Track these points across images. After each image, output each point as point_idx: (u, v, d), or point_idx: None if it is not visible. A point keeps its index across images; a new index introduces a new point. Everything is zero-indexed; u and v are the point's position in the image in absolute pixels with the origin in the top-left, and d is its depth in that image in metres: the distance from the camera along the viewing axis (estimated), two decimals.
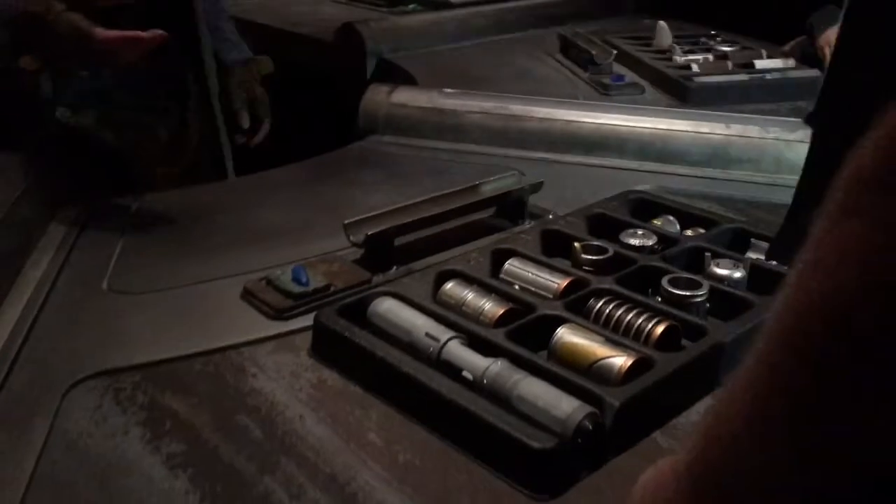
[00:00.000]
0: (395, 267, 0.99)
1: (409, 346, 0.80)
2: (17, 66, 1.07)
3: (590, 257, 0.94)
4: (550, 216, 1.11)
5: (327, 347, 0.84)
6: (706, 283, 0.87)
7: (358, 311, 0.86)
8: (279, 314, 0.91)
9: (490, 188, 1.09)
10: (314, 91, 2.42)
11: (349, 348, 0.81)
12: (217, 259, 1.04)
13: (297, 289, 0.93)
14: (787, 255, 0.42)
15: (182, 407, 0.78)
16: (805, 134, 1.28)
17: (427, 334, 0.80)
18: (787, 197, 1.22)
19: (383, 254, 1.00)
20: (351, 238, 0.98)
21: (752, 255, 0.98)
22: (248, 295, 0.94)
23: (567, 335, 0.79)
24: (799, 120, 1.35)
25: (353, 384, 0.80)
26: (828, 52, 2.15)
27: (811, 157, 0.49)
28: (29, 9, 1.02)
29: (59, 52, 1.06)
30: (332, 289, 0.94)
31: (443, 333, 0.79)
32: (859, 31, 0.46)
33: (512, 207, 1.11)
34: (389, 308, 0.84)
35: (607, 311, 0.83)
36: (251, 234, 1.11)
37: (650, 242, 0.98)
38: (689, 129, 1.31)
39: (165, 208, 1.23)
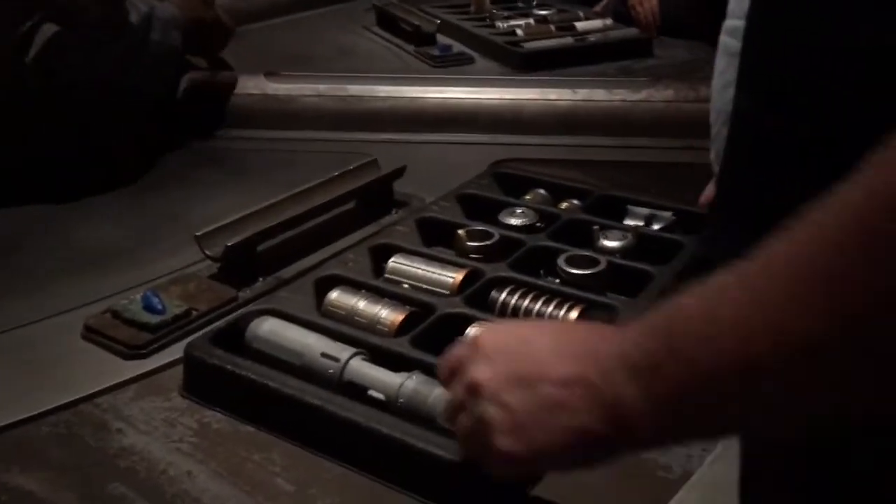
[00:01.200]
0: (261, 278, 0.88)
1: (304, 370, 0.70)
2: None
3: (475, 244, 0.88)
4: (418, 203, 1.03)
5: (205, 384, 0.72)
6: (603, 259, 0.83)
7: (234, 336, 0.74)
8: (135, 352, 0.77)
9: (351, 179, 1.00)
10: None
11: (234, 382, 0.70)
12: (44, 292, 0.88)
13: (152, 319, 0.79)
14: (728, 246, 0.39)
15: (37, 484, 0.64)
16: (649, 94, 1.28)
17: (323, 354, 0.70)
18: (641, 157, 1.23)
19: (245, 265, 0.88)
20: (207, 252, 0.86)
21: (630, 221, 0.96)
22: (91, 333, 0.80)
23: None
24: (643, 79, 1.35)
25: (244, 424, 0.69)
26: (639, 9, 2.21)
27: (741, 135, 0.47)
28: (195, 15, 1.27)
29: (217, 47, 1.36)
30: (194, 313, 0.81)
31: (342, 351, 0.70)
32: None
33: (376, 197, 1.02)
34: (272, 329, 0.74)
35: (512, 302, 0.78)
36: (81, 258, 0.95)
37: (531, 221, 0.93)
38: (537, 97, 1.28)
39: None
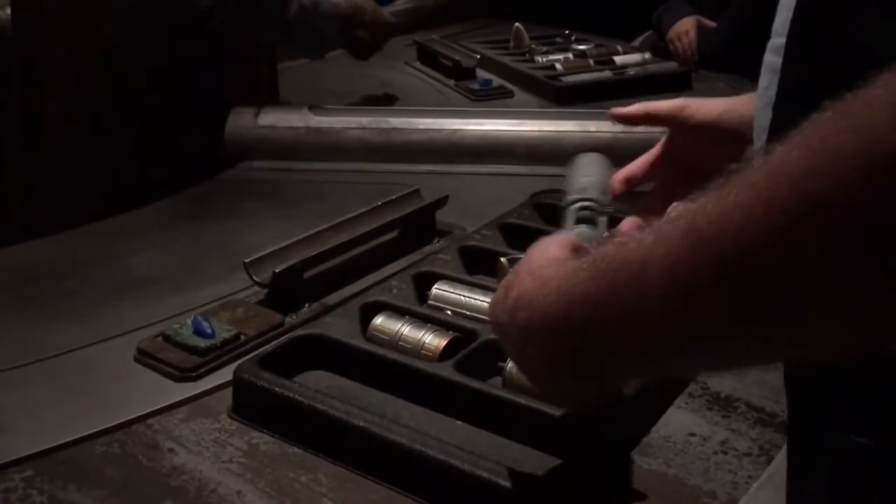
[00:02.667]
0: (307, 304, 0.90)
1: None
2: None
3: None
4: (460, 232, 1.05)
5: (253, 406, 0.74)
6: None
7: (282, 360, 0.76)
8: (186, 374, 0.79)
9: (394, 208, 1.01)
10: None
11: (282, 405, 0.71)
12: (97, 318, 0.91)
13: (202, 343, 0.81)
14: None
15: (92, 501, 0.66)
16: None
17: None
18: None
19: (292, 291, 0.90)
20: (255, 278, 0.88)
21: None
22: (143, 356, 0.82)
23: None
24: None
25: (291, 445, 0.71)
26: (678, 43, 2.23)
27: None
28: (356, 3, 1.47)
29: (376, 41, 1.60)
30: (242, 338, 0.83)
31: None
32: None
33: (419, 226, 1.04)
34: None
35: None
36: (132, 285, 0.98)
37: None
38: (576, 129, 1.29)
39: (16, 263, 1.07)
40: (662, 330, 0.41)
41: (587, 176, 0.80)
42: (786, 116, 0.44)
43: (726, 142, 0.78)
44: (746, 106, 0.78)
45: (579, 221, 0.75)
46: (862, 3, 0.43)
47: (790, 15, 0.50)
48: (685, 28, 2.23)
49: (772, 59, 0.56)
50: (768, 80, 0.56)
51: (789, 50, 0.49)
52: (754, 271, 0.36)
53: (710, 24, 2.29)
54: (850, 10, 0.43)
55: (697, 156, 0.80)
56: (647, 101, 0.84)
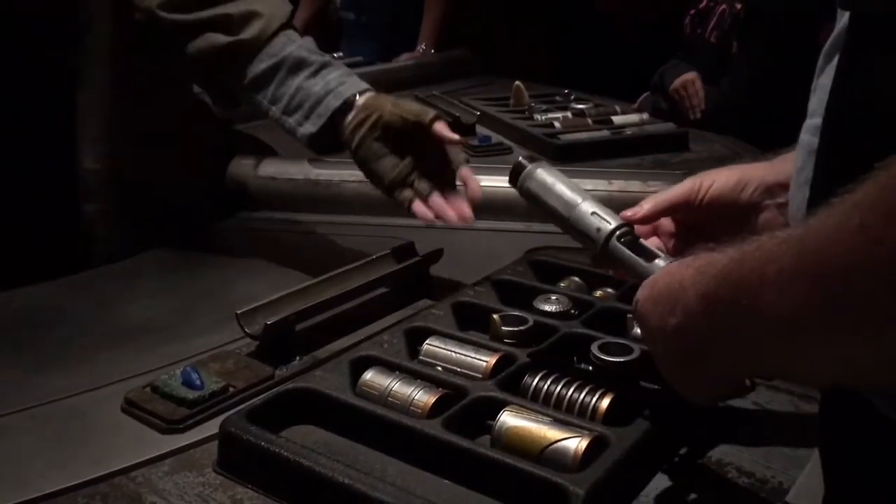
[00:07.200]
0: (297, 357, 0.90)
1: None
2: None
3: (510, 329, 0.88)
4: (452, 287, 1.05)
5: (239, 460, 0.73)
6: (637, 347, 0.83)
7: (270, 414, 0.75)
8: (173, 426, 0.79)
9: (388, 262, 1.02)
10: None
11: (267, 459, 0.70)
12: (86, 366, 0.90)
13: (190, 394, 0.81)
14: None
15: None
16: None
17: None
18: None
19: (283, 344, 0.90)
20: (247, 329, 0.88)
21: None
22: (131, 406, 0.81)
23: (511, 420, 0.72)
24: (678, 172, 1.37)
25: (276, 501, 0.70)
26: (682, 92, 2.26)
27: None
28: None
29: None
30: (231, 390, 0.83)
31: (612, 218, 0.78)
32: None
33: (412, 280, 1.04)
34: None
35: (545, 387, 0.78)
36: (122, 334, 0.97)
37: (565, 308, 0.94)
38: None
39: (11, 308, 1.07)
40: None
41: (584, 198, 0.79)
42: (823, 194, 0.45)
43: (740, 213, 0.78)
44: (759, 175, 0.78)
45: (635, 252, 0.74)
46: None
47: (826, 97, 0.51)
48: (690, 78, 2.26)
49: (808, 138, 0.57)
50: (803, 159, 0.57)
51: (827, 130, 0.50)
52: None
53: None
54: (888, 90, 0.44)
55: (709, 225, 0.80)
56: (655, 194, 0.81)
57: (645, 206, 0.80)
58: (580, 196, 0.80)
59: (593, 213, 0.78)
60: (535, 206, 0.84)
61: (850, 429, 0.56)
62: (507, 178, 1.24)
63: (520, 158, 0.86)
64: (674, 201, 0.80)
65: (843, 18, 0.51)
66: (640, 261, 0.74)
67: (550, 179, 0.82)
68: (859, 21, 0.49)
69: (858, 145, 0.43)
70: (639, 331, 0.88)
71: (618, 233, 0.76)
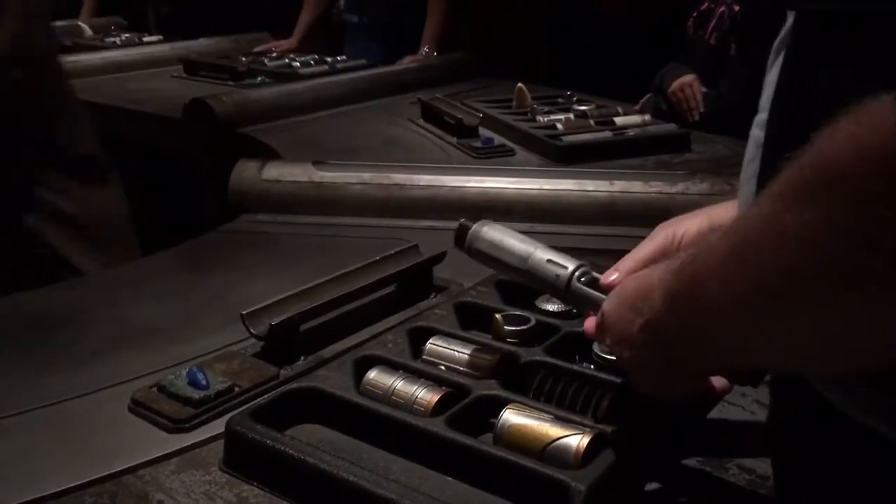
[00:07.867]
0: (302, 357, 0.91)
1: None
2: None
3: (513, 328, 0.89)
4: (456, 287, 1.05)
5: (244, 459, 0.74)
6: None
7: (275, 413, 0.76)
8: (179, 425, 0.80)
9: (392, 263, 1.03)
10: (160, 171, 2.28)
11: (272, 458, 0.71)
12: (93, 367, 0.91)
13: (196, 394, 0.82)
14: None
15: None
16: (686, 186, 1.31)
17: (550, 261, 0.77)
18: None
19: (288, 344, 0.90)
20: (252, 330, 0.89)
21: None
22: (138, 406, 0.82)
23: (513, 417, 0.73)
24: (680, 173, 1.37)
25: (282, 498, 0.71)
26: (680, 94, 2.26)
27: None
28: None
29: None
30: (236, 390, 0.84)
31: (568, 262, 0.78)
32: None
33: (416, 281, 1.05)
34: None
35: (547, 386, 0.78)
36: (129, 335, 0.98)
37: (567, 307, 0.95)
38: (574, 188, 1.31)
39: (20, 311, 1.08)
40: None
41: (535, 247, 0.79)
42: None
43: None
44: (728, 215, 0.75)
45: (597, 289, 0.74)
46: (840, 78, 0.45)
47: (772, 91, 0.52)
48: (688, 81, 2.26)
49: (756, 133, 0.58)
50: (752, 153, 0.58)
51: (771, 124, 0.51)
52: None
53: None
54: (830, 85, 0.45)
55: None
56: (631, 252, 0.76)
57: (622, 268, 0.75)
58: (531, 245, 0.79)
59: (549, 261, 0.77)
60: (487, 264, 0.83)
61: (803, 429, 0.56)
62: (507, 178, 1.25)
63: (461, 221, 0.84)
64: (651, 256, 0.77)
65: (791, 16, 0.52)
66: (604, 297, 0.72)
67: (498, 236, 0.81)
68: (802, 19, 0.50)
69: (800, 140, 0.43)
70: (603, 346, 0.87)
71: (576, 274, 0.76)
